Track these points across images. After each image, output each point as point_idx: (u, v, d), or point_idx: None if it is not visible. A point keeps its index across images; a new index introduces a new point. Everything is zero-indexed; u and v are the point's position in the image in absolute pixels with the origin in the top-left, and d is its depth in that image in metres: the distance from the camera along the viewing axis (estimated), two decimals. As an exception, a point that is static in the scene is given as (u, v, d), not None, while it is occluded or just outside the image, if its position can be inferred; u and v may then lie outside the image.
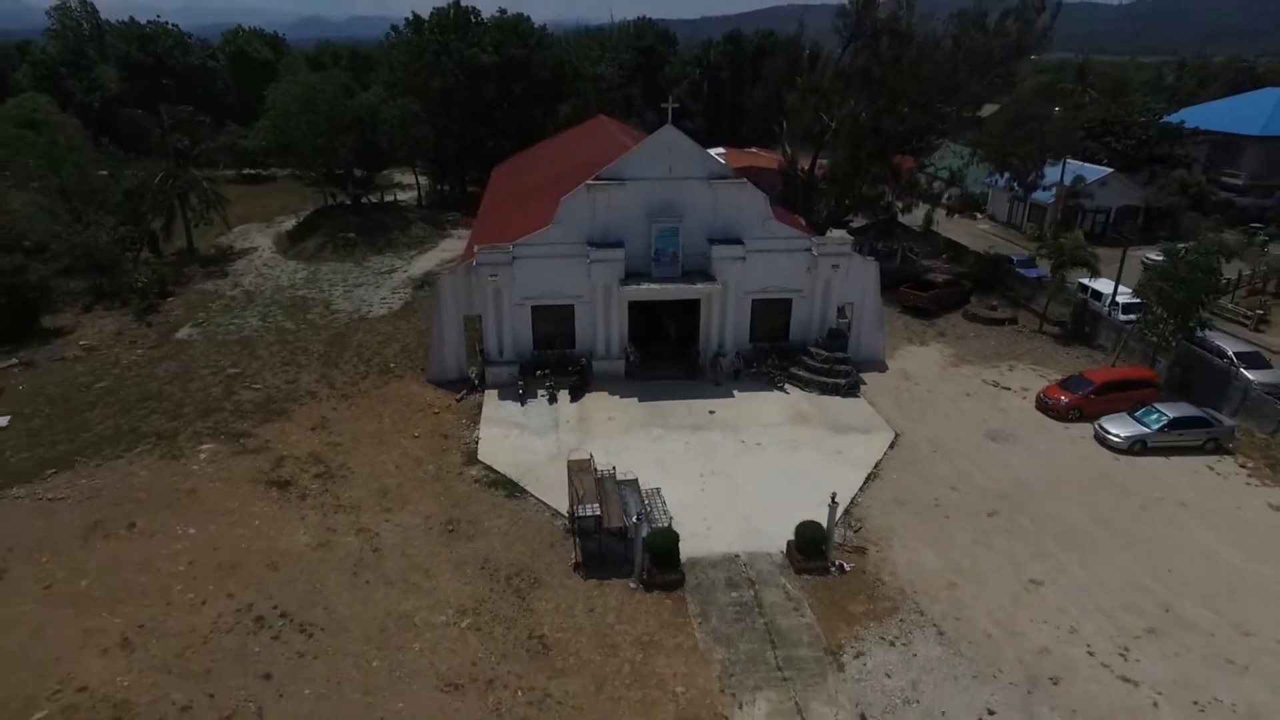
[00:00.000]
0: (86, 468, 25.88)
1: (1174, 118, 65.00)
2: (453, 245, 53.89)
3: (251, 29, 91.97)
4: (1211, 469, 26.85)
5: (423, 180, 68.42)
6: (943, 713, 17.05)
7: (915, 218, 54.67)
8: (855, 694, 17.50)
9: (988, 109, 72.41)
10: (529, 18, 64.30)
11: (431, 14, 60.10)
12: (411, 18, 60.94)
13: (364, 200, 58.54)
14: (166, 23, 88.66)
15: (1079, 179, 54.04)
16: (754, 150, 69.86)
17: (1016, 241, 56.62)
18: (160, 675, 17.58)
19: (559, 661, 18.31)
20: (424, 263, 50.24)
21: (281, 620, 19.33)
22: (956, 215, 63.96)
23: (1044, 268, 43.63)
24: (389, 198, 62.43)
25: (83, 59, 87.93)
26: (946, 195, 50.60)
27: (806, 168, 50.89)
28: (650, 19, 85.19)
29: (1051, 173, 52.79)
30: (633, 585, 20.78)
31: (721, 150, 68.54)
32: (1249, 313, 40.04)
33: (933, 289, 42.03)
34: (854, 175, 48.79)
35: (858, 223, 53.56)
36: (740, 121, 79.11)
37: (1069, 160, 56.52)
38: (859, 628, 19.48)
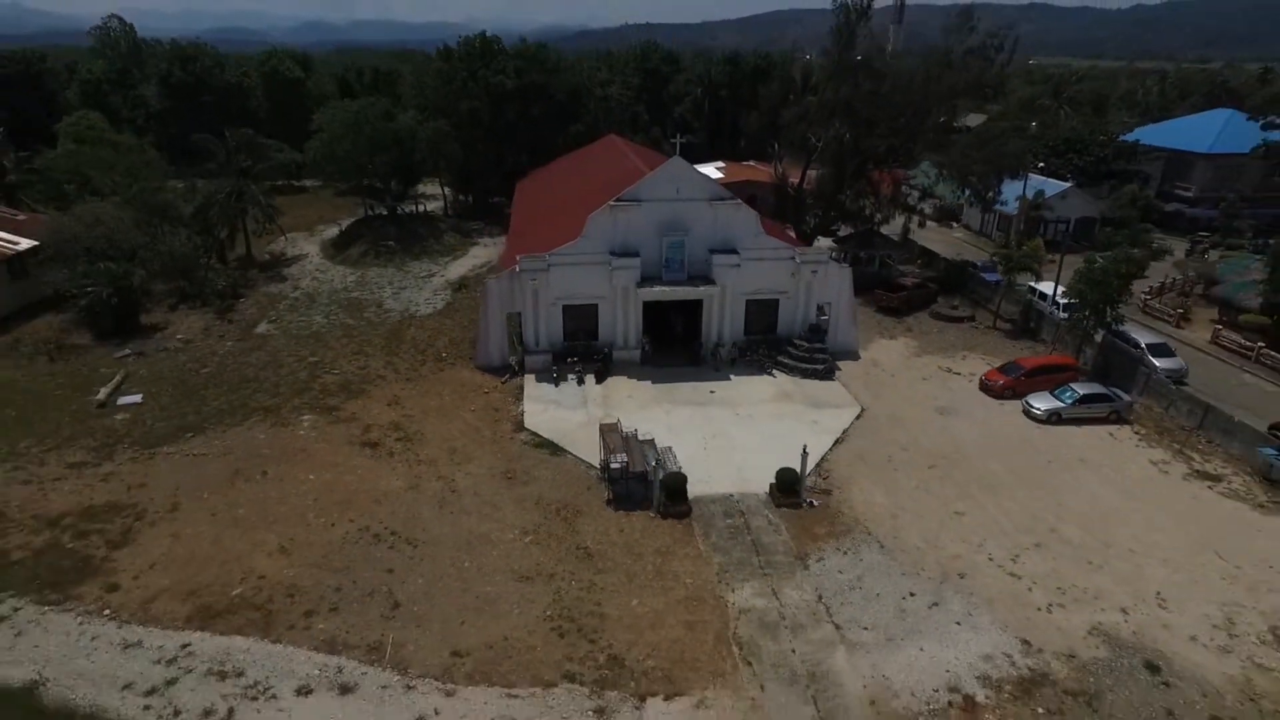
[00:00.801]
0: (215, 433, 32.87)
1: (1130, 136, 72.05)
2: (480, 252, 60.86)
3: (284, 50, 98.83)
4: (1111, 435, 33.81)
5: (446, 191, 75.43)
6: (877, 594, 23.96)
7: (896, 227, 61.77)
8: (815, 583, 24.42)
9: (975, 118, 79.70)
10: (546, 45, 71.32)
11: (460, 43, 67.24)
12: (443, 48, 68.08)
13: (400, 211, 65.54)
14: (205, 44, 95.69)
15: (1040, 193, 61.03)
16: (751, 164, 76.71)
17: (985, 249, 63.48)
18: (313, 569, 24.53)
19: (600, 563, 25.23)
20: (458, 268, 57.17)
21: (392, 536, 26.26)
22: (935, 224, 71.33)
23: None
24: (420, 208, 69.47)
25: (128, 77, 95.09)
26: (920, 207, 57.47)
27: (797, 182, 57.89)
28: (655, 43, 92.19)
29: (1015, 187, 59.90)
30: (652, 515, 27.68)
31: (721, 164, 75.53)
32: (1172, 311, 47.00)
33: (903, 291, 49.00)
34: (838, 190, 55.82)
35: (843, 232, 60.42)
36: (739, 136, 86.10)
37: (1033, 175, 63.79)
38: (821, 543, 26.39)
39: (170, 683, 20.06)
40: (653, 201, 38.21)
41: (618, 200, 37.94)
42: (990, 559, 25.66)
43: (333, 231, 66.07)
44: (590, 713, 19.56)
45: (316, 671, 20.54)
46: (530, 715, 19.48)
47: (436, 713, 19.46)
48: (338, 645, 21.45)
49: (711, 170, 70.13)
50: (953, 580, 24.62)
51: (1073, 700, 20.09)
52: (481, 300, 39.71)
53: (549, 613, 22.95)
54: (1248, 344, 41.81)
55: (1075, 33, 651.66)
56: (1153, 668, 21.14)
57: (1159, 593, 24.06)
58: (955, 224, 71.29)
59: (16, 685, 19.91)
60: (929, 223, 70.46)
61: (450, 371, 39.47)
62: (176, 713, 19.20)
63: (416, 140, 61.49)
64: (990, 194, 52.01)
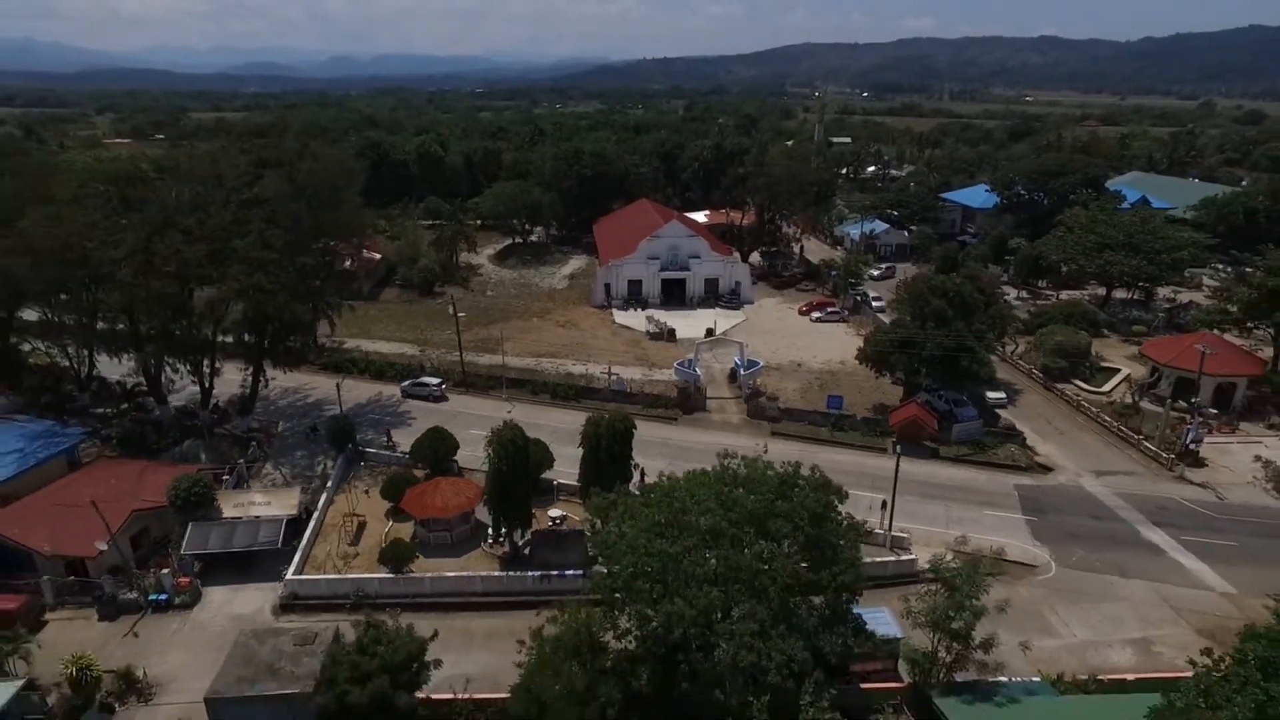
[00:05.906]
0: (503, 323, 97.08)
1: (948, 195, 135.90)
2: (575, 263, 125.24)
3: (432, 136, 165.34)
4: (836, 325, 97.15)
5: (540, 228, 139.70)
6: (729, 356, 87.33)
7: (813, 247, 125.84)
8: (715, 353, 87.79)
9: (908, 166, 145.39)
10: (609, 149, 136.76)
11: (563, 152, 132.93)
12: (552, 159, 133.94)
13: (527, 240, 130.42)
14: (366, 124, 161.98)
15: (873, 229, 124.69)
16: (725, 211, 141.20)
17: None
18: (563, 347, 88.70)
19: (648, 350, 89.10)
20: (567, 269, 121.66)
21: (578, 345, 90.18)
22: (829, 246, 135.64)
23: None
24: (536, 238, 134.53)
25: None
26: (801, 239, 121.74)
27: (740, 223, 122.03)
28: (674, 130, 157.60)
29: (856, 226, 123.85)
30: (667, 341, 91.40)
31: (708, 212, 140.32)
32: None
33: (785, 276, 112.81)
34: (761, 230, 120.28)
35: (770, 249, 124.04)
36: (720, 193, 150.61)
37: (868, 219, 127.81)
38: (718, 349, 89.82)
39: (538, 367, 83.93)
40: (665, 238, 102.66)
41: (651, 238, 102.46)
42: (772, 351, 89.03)
43: (489, 250, 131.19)
44: (647, 369, 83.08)
45: (573, 362, 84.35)
46: (631, 372, 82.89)
47: (610, 368, 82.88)
48: (579, 359, 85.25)
49: (701, 216, 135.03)
50: (756, 358, 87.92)
51: (774, 369, 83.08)
52: (593, 278, 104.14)
53: (632, 356, 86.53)
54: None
55: (1083, 64, 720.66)
56: (799, 365, 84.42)
57: (815, 355, 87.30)
58: (840, 246, 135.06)
59: (492, 364, 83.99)
60: (823, 244, 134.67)
61: (579, 308, 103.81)
62: (544, 370, 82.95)
63: (542, 204, 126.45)
64: (831, 233, 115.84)
